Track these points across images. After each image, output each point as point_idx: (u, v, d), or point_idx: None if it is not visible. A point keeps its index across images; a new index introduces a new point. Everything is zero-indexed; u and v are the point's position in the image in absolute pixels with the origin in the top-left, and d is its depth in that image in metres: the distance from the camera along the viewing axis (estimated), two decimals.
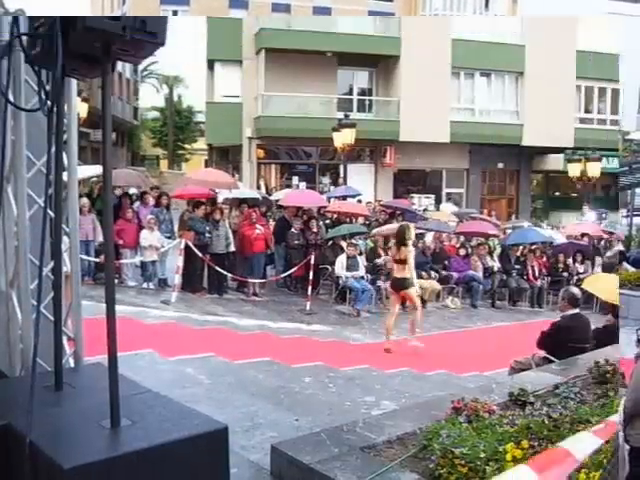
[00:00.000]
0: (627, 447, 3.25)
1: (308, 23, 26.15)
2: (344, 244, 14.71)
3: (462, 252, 17.03)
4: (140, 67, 46.59)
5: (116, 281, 12.06)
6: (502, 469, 3.55)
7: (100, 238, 13.07)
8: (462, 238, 18.24)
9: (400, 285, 11.03)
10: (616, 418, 3.06)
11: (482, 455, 3.72)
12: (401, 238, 10.95)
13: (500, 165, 30.81)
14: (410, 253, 10.91)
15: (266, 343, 10.23)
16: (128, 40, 2.73)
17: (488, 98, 29.44)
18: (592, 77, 28.89)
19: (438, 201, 28.98)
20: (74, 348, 3.90)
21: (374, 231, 16.57)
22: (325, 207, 17.84)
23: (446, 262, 16.68)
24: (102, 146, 3.00)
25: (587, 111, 31.27)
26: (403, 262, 10.87)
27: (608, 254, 18.35)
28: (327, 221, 17.05)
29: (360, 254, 14.89)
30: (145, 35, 2.76)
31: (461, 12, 28.54)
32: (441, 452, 3.84)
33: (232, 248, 14.20)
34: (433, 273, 15.93)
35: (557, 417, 4.21)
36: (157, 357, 7.96)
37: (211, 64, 29.05)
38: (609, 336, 7.58)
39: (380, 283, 14.86)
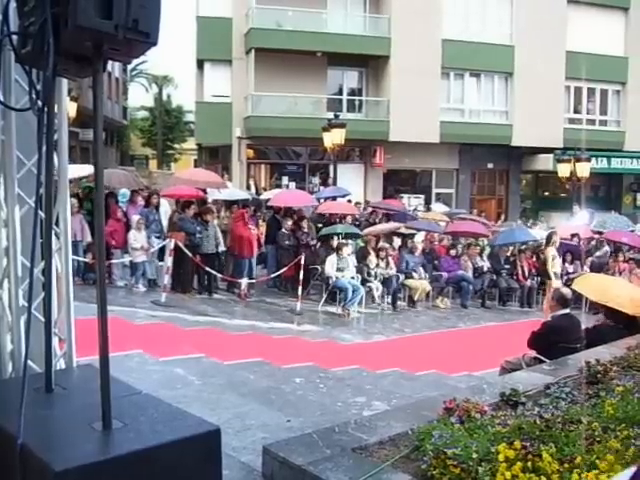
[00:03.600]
0: None
1: (298, 23, 26.12)
2: (335, 244, 14.70)
3: (452, 252, 17.05)
4: (129, 66, 46.47)
5: (106, 281, 12.01)
6: (494, 470, 3.55)
7: (88, 238, 13.05)
8: (451, 238, 18.27)
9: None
10: None
11: (474, 456, 3.72)
12: (549, 241, 15.53)
13: (490, 165, 30.88)
14: (550, 253, 15.35)
15: (257, 344, 10.22)
16: (120, 40, 2.70)
17: (478, 98, 29.51)
18: (581, 77, 28.98)
19: (428, 201, 29.04)
20: (65, 349, 3.87)
21: (366, 231, 16.59)
22: (316, 207, 17.85)
23: (436, 262, 16.71)
24: (94, 146, 2.97)
25: (576, 111, 31.40)
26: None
27: (597, 254, 18.42)
28: (319, 224, 16.98)
29: (350, 254, 14.88)
30: (137, 34, 2.74)
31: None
32: (433, 453, 3.83)
33: (222, 248, 14.19)
34: (423, 273, 15.93)
35: (549, 417, 4.21)
36: (147, 358, 7.93)
37: (201, 64, 28.96)
38: (599, 336, 7.60)
39: (370, 283, 14.85)
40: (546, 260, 15.47)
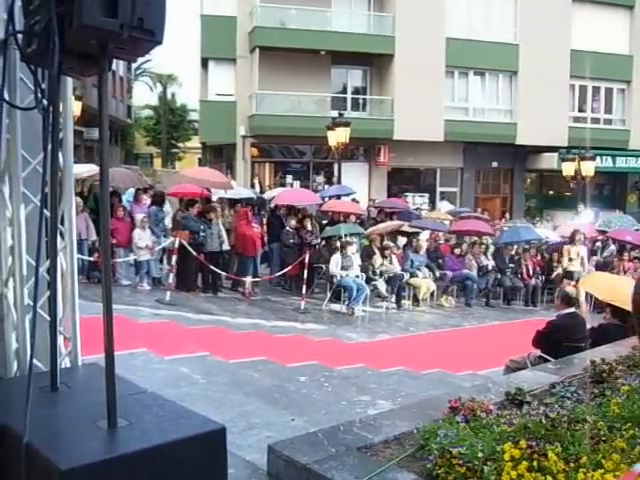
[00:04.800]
0: None
1: (302, 21, 26.09)
2: (339, 243, 14.69)
3: (457, 251, 17.03)
4: (134, 65, 46.45)
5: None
6: (500, 469, 3.54)
7: (93, 237, 13.06)
8: (456, 237, 18.27)
9: (570, 276, 14.94)
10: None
11: (480, 455, 3.72)
12: (572, 239, 15.70)
13: (494, 164, 30.80)
14: (581, 251, 15.39)
15: (261, 342, 10.22)
16: (125, 38, 2.70)
17: (482, 97, 29.43)
18: (586, 76, 28.92)
19: (432, 200, 29.02)
20: (70, 348, 3.87)
21: (370, 229, 16.57)
22: (320, 205, 17.84)
23: (440, 261, 16.69)
24: (100, 145, 2.96)
25: (581, 110, 31.31)
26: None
27: (605, 254, 18.38)
28: (324, 221, 16.97)
29: (354, 253, 14.86)
30: (143, 33, 2.73)
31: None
32: (439, 452, 3.83)
33: (226, 247, 14.19)
34: (428, 272, 15.91)
35: (554, 417, 4.19)
36: (152, 356, 7.94)
37: (205, 62, 28.95)
38: (604, 335, 7.58)
39: (375, 282, 14.83)
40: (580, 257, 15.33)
